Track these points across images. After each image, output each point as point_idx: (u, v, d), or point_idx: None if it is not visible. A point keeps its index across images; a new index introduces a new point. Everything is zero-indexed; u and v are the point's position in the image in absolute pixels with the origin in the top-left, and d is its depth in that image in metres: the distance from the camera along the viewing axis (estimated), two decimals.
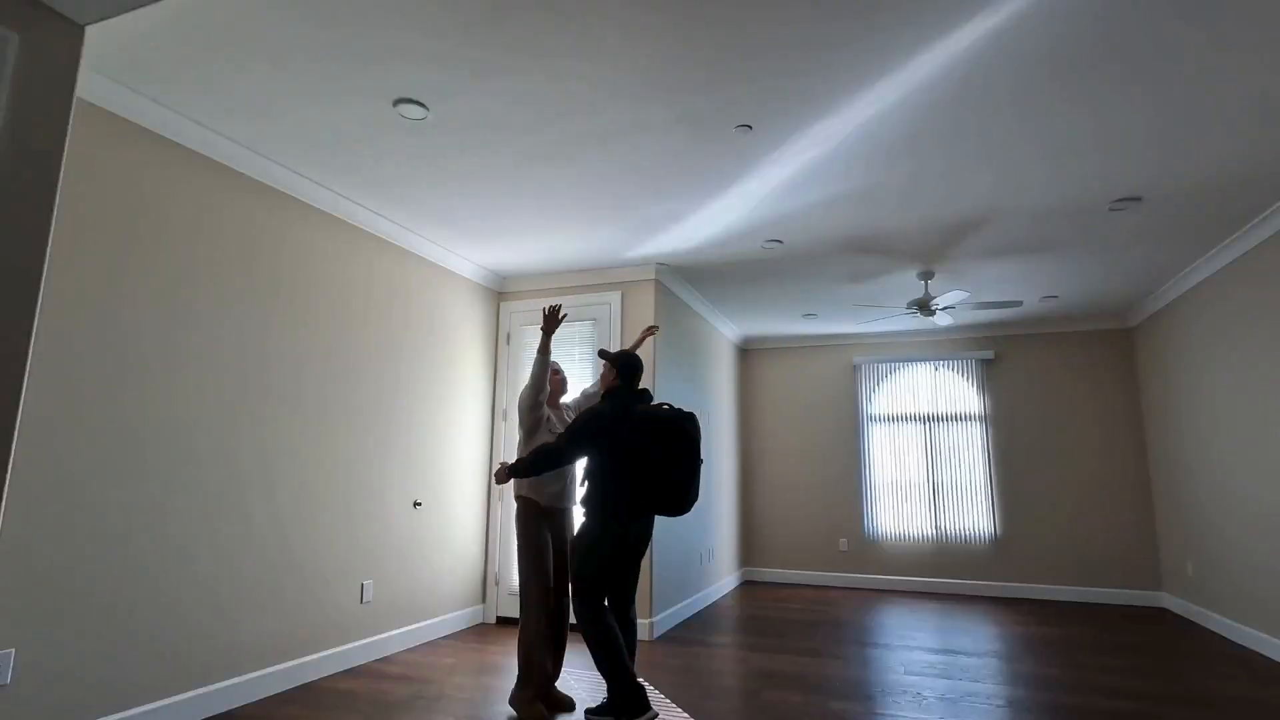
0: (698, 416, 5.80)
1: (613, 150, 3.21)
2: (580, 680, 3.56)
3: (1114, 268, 4.87)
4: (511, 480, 3.35)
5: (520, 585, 3.08)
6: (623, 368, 3.11)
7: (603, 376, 3.20)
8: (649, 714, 2.78)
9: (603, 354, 3.17)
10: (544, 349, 3.12)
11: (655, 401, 3.33)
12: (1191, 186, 3.54)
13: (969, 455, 6.66)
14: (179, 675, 2.85)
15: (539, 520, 3.11)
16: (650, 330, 3.59)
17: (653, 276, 4.91)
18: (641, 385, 3.14)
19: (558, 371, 3.40)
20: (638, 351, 3.13)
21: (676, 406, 3.60)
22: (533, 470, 2.91)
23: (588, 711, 2.96)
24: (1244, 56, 2.46)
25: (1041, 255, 4.61)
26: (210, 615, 3.00)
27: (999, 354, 6.75)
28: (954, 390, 6.82)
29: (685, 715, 3.03)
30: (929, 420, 6.84)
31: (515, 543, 3.11)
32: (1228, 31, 2.33)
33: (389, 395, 4.13)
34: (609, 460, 2.91)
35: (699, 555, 5.62)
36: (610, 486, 2.90)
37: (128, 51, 2.49)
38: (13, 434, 1.51)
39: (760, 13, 2.26)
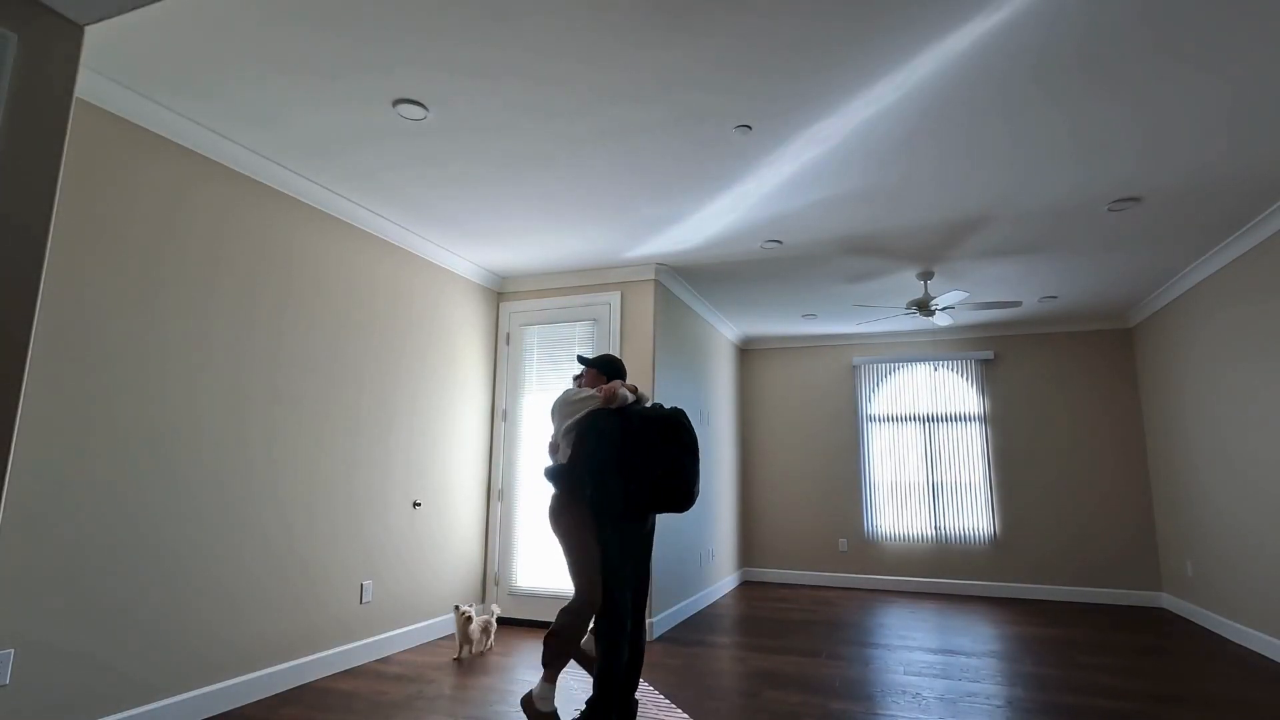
0: (693, 415, 5.80)
1: (613, 150, 3.21)
2: (581, 680, 3.56)
3: (1114, 268, 4.87)
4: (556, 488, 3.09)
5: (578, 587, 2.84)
6: (606, 369, 3.12)
7: (587, 382, 3.13)
8: None
9: (582, 359, 3.17)
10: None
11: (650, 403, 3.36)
12: (1191, 187, 3.54)
13: (968, 455, 6.66)
14: (179, 675, 2.85)
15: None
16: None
17: (652, 277, 4.91)
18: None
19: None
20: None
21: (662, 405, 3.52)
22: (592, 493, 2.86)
23: None
24: (1242, 57, 2.46)
25: (1041, 255, 4.61)
26: (210, 616, 3.00)
27: (999, 354, 6.75)
28: (953, 390, 6.82)
29: (685, 715, 3.03)
30: (928, 420, 6.84)
31: (563, 546, 2.92)
32: (1226, 32, 2.33)
33: (390, 395, 4.13)
34: (616, 462, 2.84)
35: (698, 555, 5.62)
36: (621, 487, 2.82)
37: (127, 51, 2.49)
38: (12, 434, 1.51)
39: (760, 14, 2.26)
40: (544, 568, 4.84)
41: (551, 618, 4.76)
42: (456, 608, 3.96)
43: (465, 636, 3.93)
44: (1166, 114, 2.85)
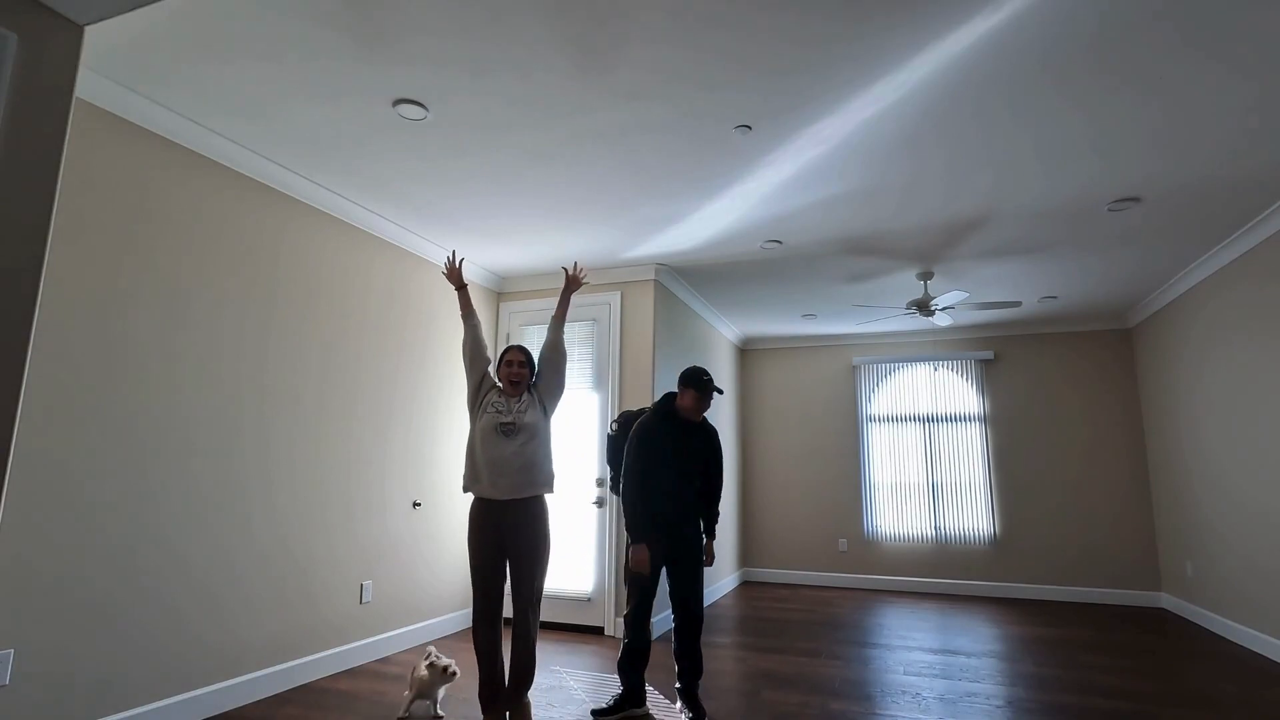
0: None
1: (613, 150, 3.21)
2: (578, 680, 3.57)
3: (1113, 268, 4.87)
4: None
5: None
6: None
7: (690, 403, 3.11)
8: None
9: (709, 386, 3.08)
10: (560, 318, 3.04)
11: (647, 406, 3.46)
12: (1190, 187, 3.54)
13: (968, 456, 6.66)
14: (178, 676, 2.85)
15: (479, 516, 2.82)
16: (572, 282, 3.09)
17: (652, 277, 4.91)
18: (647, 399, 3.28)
19: (513, 363, 2.92)
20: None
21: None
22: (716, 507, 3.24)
23: (595, 713, 2.98)
24: (1242, 57, 2.46)
25: (1041, 255, 4.61)
26: (209, 616, 3.00)
27: (998, 354, 6.75)
28: (953, 391, 6.82)
29: (685, 715, 3.03)
30: (928, 421, 6.84)
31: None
32: (1225, 32, 2.33)
33: (388, 395, 4.13)
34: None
35: None
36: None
37: (127, 51, 2.49)
38: (11, 434, 1.51)
39: (760, 12, 2.26)
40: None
41: (550, 618, 4.76)
42: (432, 660, 2.98)
43: (427, 692, 2.96)
44: (1166, 114, 2.85)
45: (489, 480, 2.79)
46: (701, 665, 3.05)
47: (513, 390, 2.91)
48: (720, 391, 3.07)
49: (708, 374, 3.09)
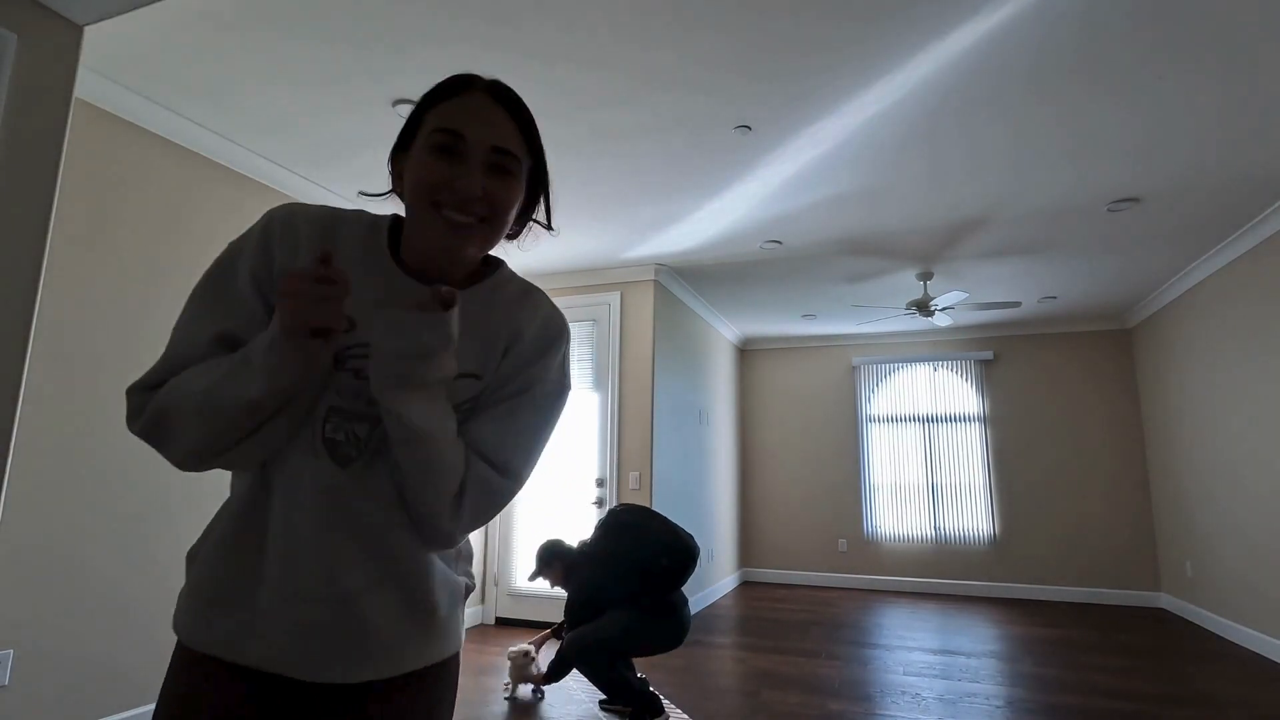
0: (693, 415, 5.80)
1: (612, 150, 3.21)
2: (579, 680, 3.57)
3: (1113, 268, 4.87)
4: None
5: None
6: (558, 557, 3.26)
7: (556, 576, 3.23)
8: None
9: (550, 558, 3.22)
10: None
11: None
12: (1190, 187, 3.54)
13: (968, 456, 6.66)
14: None
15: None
16: None
17: (652, 277, 4.91)
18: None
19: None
20: None
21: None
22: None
23: (603, 703, 3.02)
24: (1241, 57, 2.46)
25: (1041, 256, 4.61)
26: None
27: (998, 354, 6.75)
28: (953, 391, 6.82)
29: (684, 715, 3.03)
30: (928, 421, 6.84)
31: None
32: (1225, 32, 2.33)
33: None
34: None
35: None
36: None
37: (127, 51, 2.49)
38: (11, 433, 1.51)
39: (760, 13, 2.26)
40: None
41: (549, 618, 4.76)
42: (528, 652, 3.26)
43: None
44: (1166, 115, 2.85)
45: (266, 616, 0.79)
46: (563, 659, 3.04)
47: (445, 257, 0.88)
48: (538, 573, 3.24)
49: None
